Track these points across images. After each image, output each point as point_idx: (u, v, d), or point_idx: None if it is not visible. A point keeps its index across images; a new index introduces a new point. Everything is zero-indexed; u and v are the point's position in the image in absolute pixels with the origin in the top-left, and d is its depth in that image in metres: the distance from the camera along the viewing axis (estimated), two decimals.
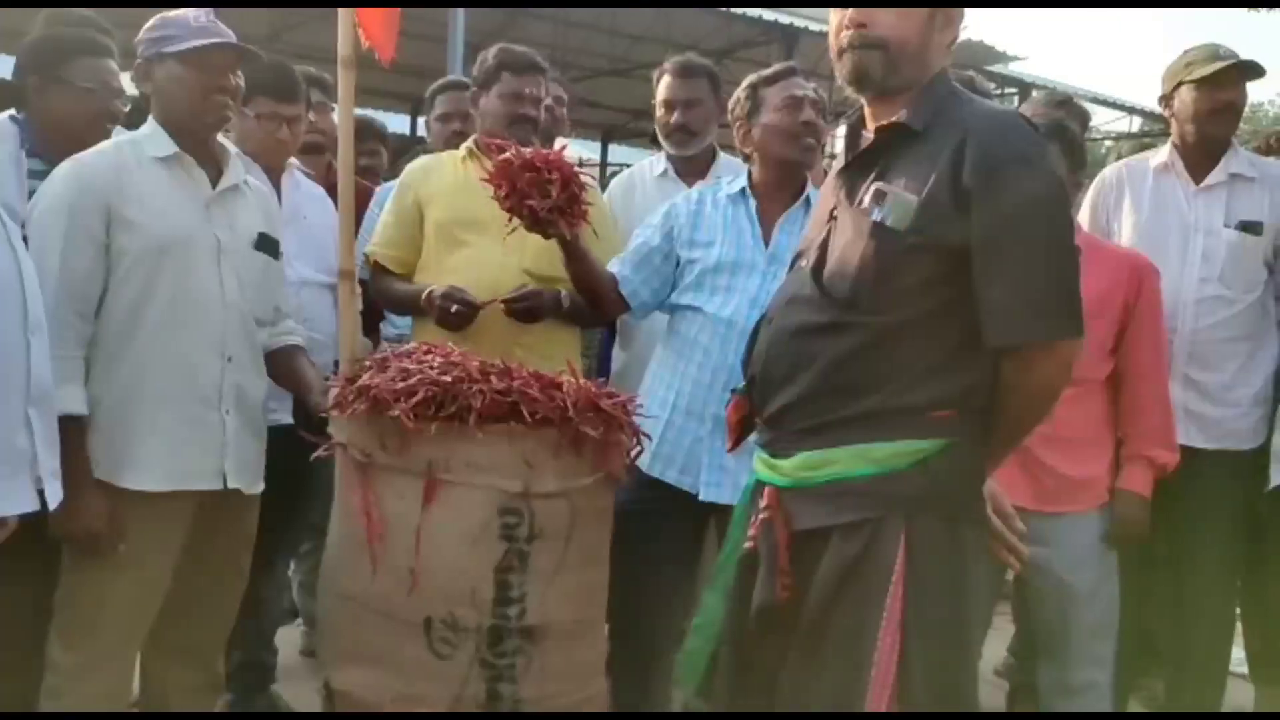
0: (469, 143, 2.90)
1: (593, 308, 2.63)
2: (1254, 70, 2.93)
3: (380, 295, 2.90)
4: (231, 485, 2.27)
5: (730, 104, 2.67)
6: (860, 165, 1.84)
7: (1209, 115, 2.96)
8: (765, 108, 2.55)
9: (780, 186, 2.58)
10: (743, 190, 2.60)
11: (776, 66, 2.64)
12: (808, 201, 2.56)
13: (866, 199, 1.76)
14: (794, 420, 1.80)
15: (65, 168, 2.19)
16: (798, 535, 1.78)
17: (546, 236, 2.36)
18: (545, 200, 2.25)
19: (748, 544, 1.88)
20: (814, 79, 2.96)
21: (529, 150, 2.32)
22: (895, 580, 1.67)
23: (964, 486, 1.75)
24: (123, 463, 2.16)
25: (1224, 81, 2.95)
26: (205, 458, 2.24)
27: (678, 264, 2.58)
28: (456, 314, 2.54)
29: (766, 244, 2.54)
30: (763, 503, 1.84)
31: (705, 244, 2.56)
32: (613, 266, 2.58)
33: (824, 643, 1.73)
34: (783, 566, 1.79)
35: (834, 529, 1.73)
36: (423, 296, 2.62)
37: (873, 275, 1.74)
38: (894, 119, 1.78)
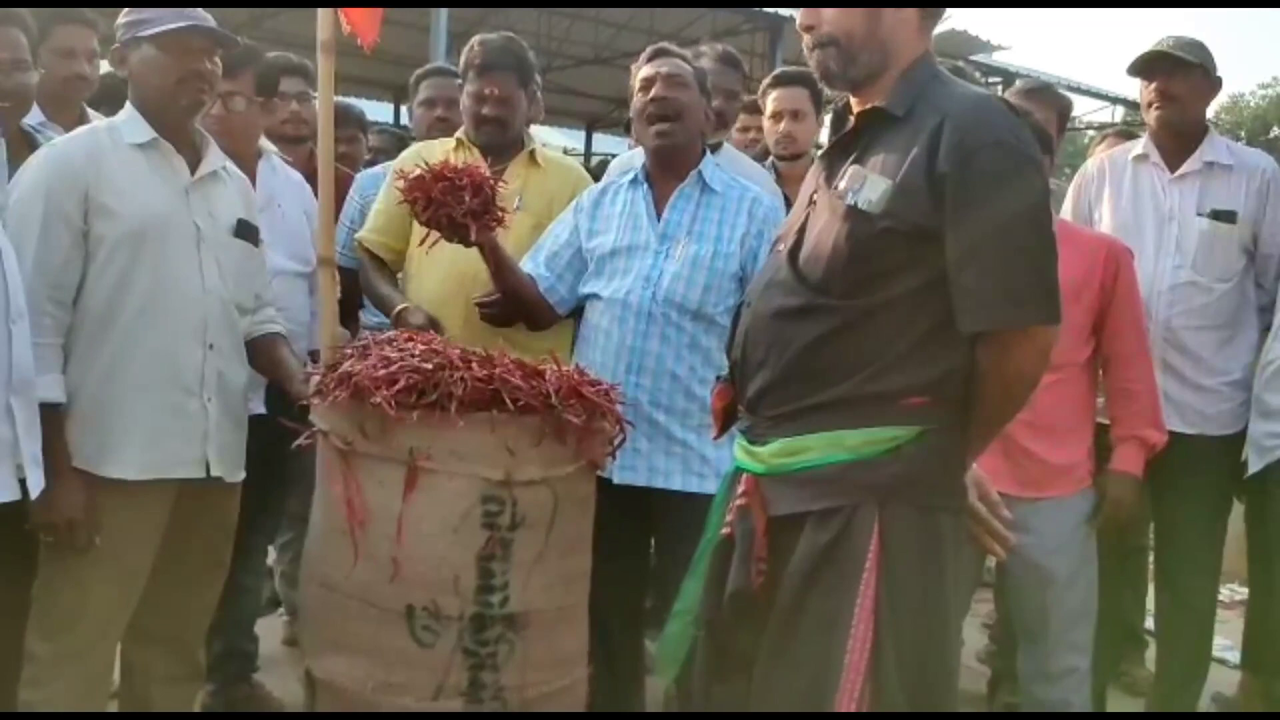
0: (460, 132, 2.91)
1: (524, 318, 2.61)
2: (1168, 61, 2.93)
3: (365, 287, 2.92)
4: (214, 473, 2.26)
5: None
6: (840, 149, 1.84)
7: (1148, 105, 3.02)
8: (633, 91, 2.58)
9: (662, 166, 2.58)
10: (635, 176, 2.61)
11: (650, 49, 2.63)
12: (700, 178, 2.55)
13: (843, 182, 1.76)
14: (770, 405, 1.80)
15: (42, 154, 2.17)
16: (774, 522, 1.78)
17: (466, 245, 2.38)
18: (460, 207, 2.28)
19: (724, 530, 1.88)
20: (800, 68, 2.97)
21: (439, 164, 2.35)
22: (869, 568, 1.66)
23: (939, 474, 1.73)
24: (103, 452, 2.15)
25: (1148, 72, 2.98)
26: (187, 446, 2.23)
27: (573, 255, 2.60)
28: None
29: (659, 224, 2.54)
30: (740, 489, 1.85)
31: (602, 232, 2.58)
32: (525, 265, 2.59)
33: (798, 631, 1.72)
34: (759, 553, 1.79)
35: (808, 516, 1.73)
36: (394, 312, 2.67)
37: (845, 258, 1.73)
38: (875, 104, 1.78)
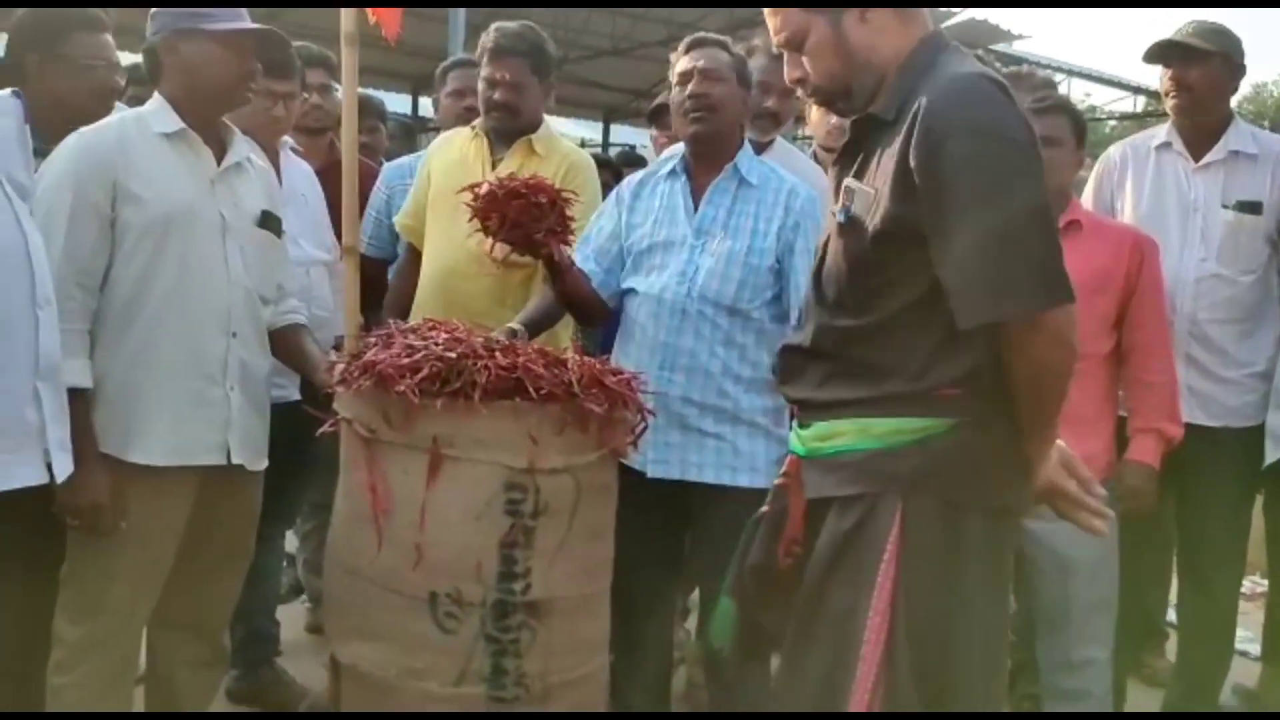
0: (478, 121, 2.94)
1: (577, 315, 2.65)
2: (1181, 49, 2.91)
3: (392, 284, 3.03)
4: (235, 460, 2.28)
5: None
6: (843, 162, 1.81)
7: (1165, 93, 2.99)
8: (671, 84, 2.57)
9: (699, 158, 2.57)
10: (673, 168, 2.60)
11: (688, 39, 2.62)
12: (736, 170, 2.55)
13: (840, 198, 1.75)
14: (811, 398, 1.81)
15: (70, 142, 2.19)
16: (811, 505, 1.78)
17: (538, 258, 2.39)
18: (540, 224, 2.29)
19: (763, 509, 1.89)
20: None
21: (505, 178, 2.34)
22: (887, 559, 1.63)
23: (972, 470, 1.66)
24: (129, 437, 2.17)
25: (1163, 60, 2.96)
26: (209, 433, 2.25)
27: (619, 250, 2.60)
28: None
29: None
30: (783, 468, 1.86)
31: (639, 225, 2.58)
32: (577, 260, 2.58)
33: (819, 616, 1.72)
34: (794, 534, 1.80)
35: (834, 501, 1.72)
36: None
37: (848, 275, 1.71)
38: (868, 111, 1.74)
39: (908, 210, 1.61)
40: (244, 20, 2.27)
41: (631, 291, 2.55)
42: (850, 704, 1.63)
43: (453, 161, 2.95)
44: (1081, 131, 2.70)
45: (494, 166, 2.89)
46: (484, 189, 2.31)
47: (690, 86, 2.50)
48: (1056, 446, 1.71)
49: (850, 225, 1.70)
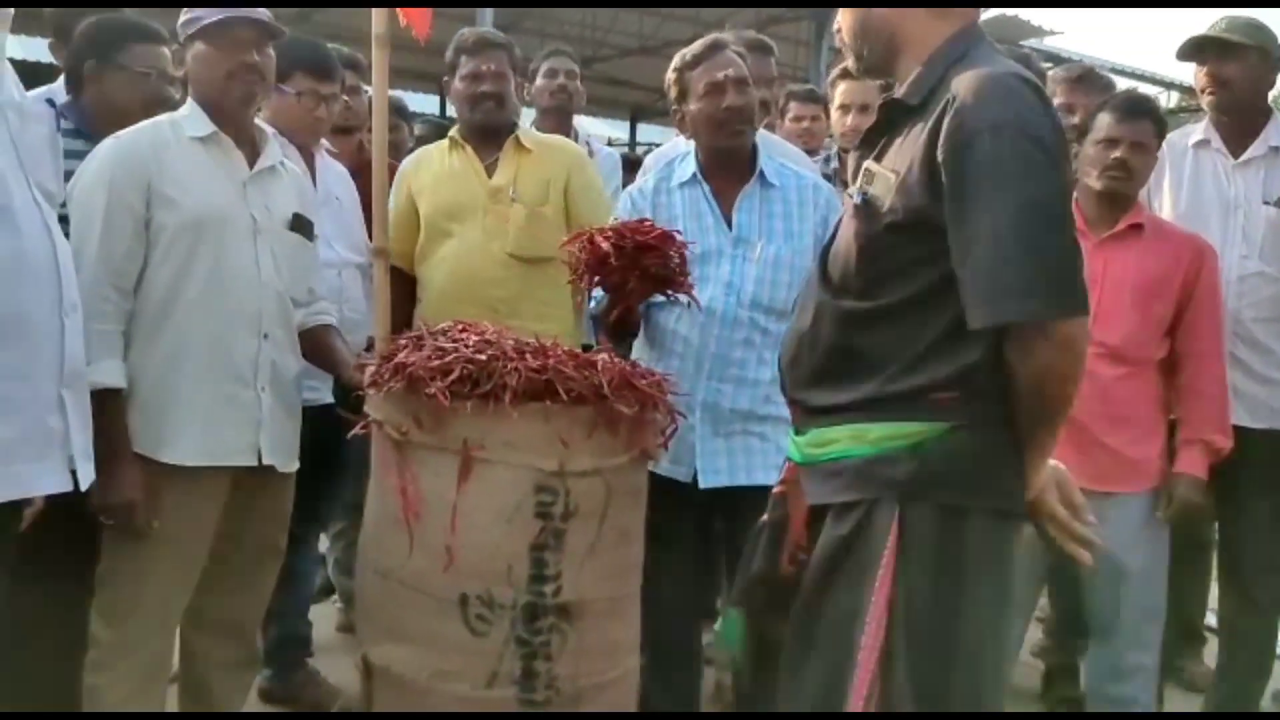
0: (453, 132, 2.95)
1: (618, 341, 2.54)
2: (1217, 44, 2.86)
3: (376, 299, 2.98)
4: (266, 461, 2.29)
5: (665, 87, 2.60)
6: (866, 145, 1.81)
7: (1202, 90, 2.95)
8: (692, 94, 2.48)
9: (726, 168, 2.53)
10: (694, 175, 2.54)
11: (699, 45, 2.53)
12: (762, 176, 2.51)
13: (859, 179, 1.74)
14: (807, 400, 1.80)
15: (106, 145, 2.21)
16: (812, 510, 1.77)
17: (638, 301, 2.35)
18: (678, 275, 2.28)
19: (764, 517, 1.89)
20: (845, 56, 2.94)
21: (618, 228, 2.27)
22: (884, 565, 1.61)
23: (970, 473, 1.64)
24: (161, 437, 2.19)
25: (1198, 56, 2.92)
26: (240, 434, 2.26)
27: None
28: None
29: (729, 226, 2.50)
30: (782, 475, 1.86)
31: None
32: None
33: (818, 623, 1.71)
34: (797, 540, 1.79)
35: (830, 508, 1.72)
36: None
37: (857, 257, 1.70)
38: (895, 95, 1.75)
39: (929, 202, 1.60)
40: (231, 11, 2.25)
41: (669, 305, 2.48)
42: (848, 707, 1.62)
43: (440, 176, 2.93)
44: (1163, 134, 2.70)
45: (488, 173, 2.88)
46: (606, 246, 2.22)
47: (727, 99, 2.45)
48: (1054, 466, 1.69)
49: (866, 207, 1.69)
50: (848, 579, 1.66)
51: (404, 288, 2.89)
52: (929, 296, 1.63)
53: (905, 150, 1.67)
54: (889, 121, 1.76)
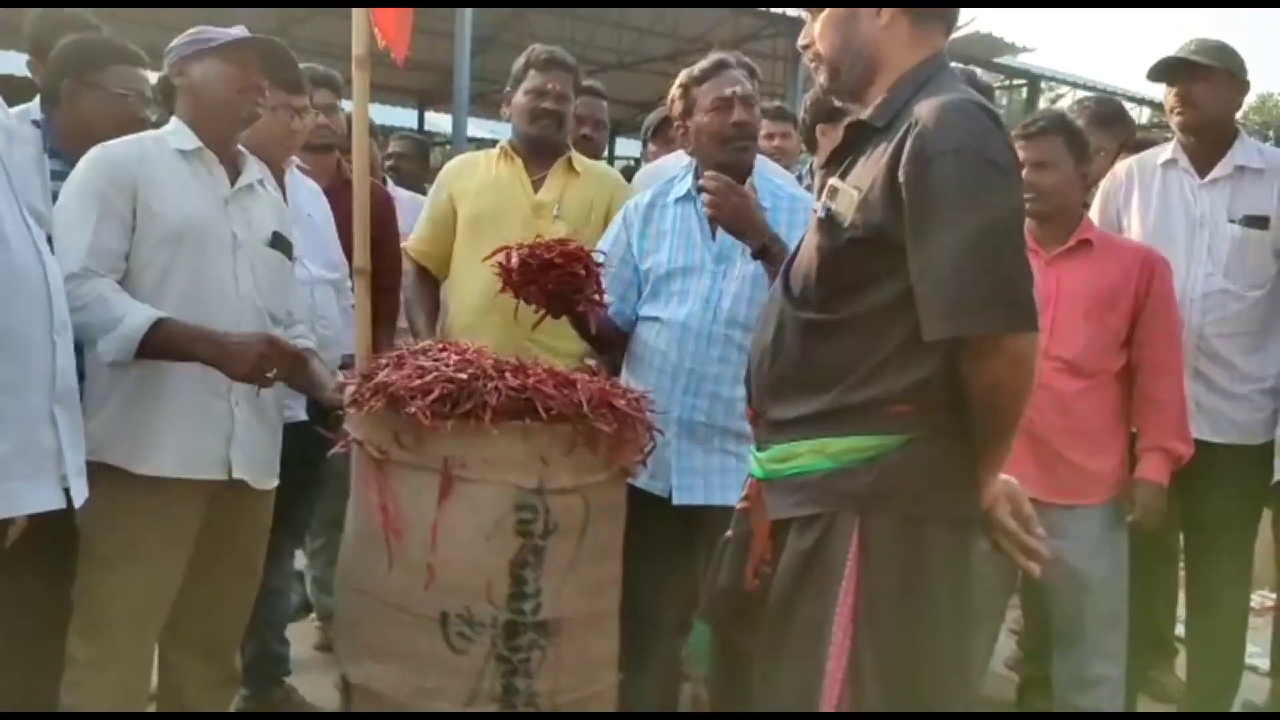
0: (505, 141, 2.97)
1: (591, 342, 2.63)
2: (1187, 66, 2.91)
3: (406, 303, 3.01)
4: (236, 476, 2.28)
5: (668, 101, 2.62)
6: (833, 163, 1.87)
7: (1171, 110, 3.00)
8: (698, 108, 2.51)
9: None
10: (689, 192, 2.56)
11: (706, 62, 2.57)
12: (755, 193, 2.52)
13: (824, 195, 1.79)
14: (769, 413, 1.83)
15: (94, 153, 2.23)
16: (774, 525, 1.81)
17: (560, 315, 2.39)
18: (580, 294, 2.31)
19: (728, 533, 1.92)
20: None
21: (531, 245, 2.30)
22: (848, 576, 1.66)
23: (928, 484, 1.69)
24: (135, 450, 2.19)
25: (1168, 77, 2.97)
26: (212, 447, 2.26)
27: (632, 273, 2.58)
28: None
29: (714, 243, 2.51)
30: (744, 492, 1.90)
31: (654, 251, 2.56)
32: None
33: (787, 635, 1.75)
34: (762, 555, 1.83)
35: (793, 522, 1.76)
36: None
37: (818, 270, 1.75)
38: (860, 117, 1.80)
39: (889, 220, 1.65)
40: (242, 32, 2.33)
41: (650, 319, 2.53)
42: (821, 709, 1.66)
43: (484, 185, 2.96)
44: (1080, 149, 2.69)
45: (534, 187, 2.91)
46: (514, 260, 2.28)
47: (735, 114, 2.47)
48: (1004, 480, 1.75)
49: (829, 222, 1.74)
50: (813, 590, 1.71)
51: (433, 295, 2.99)
52: (885, 310, 1.69)
53: (868, 169, 1.72)
54: (854, 141, 1.81)
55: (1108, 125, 3.43)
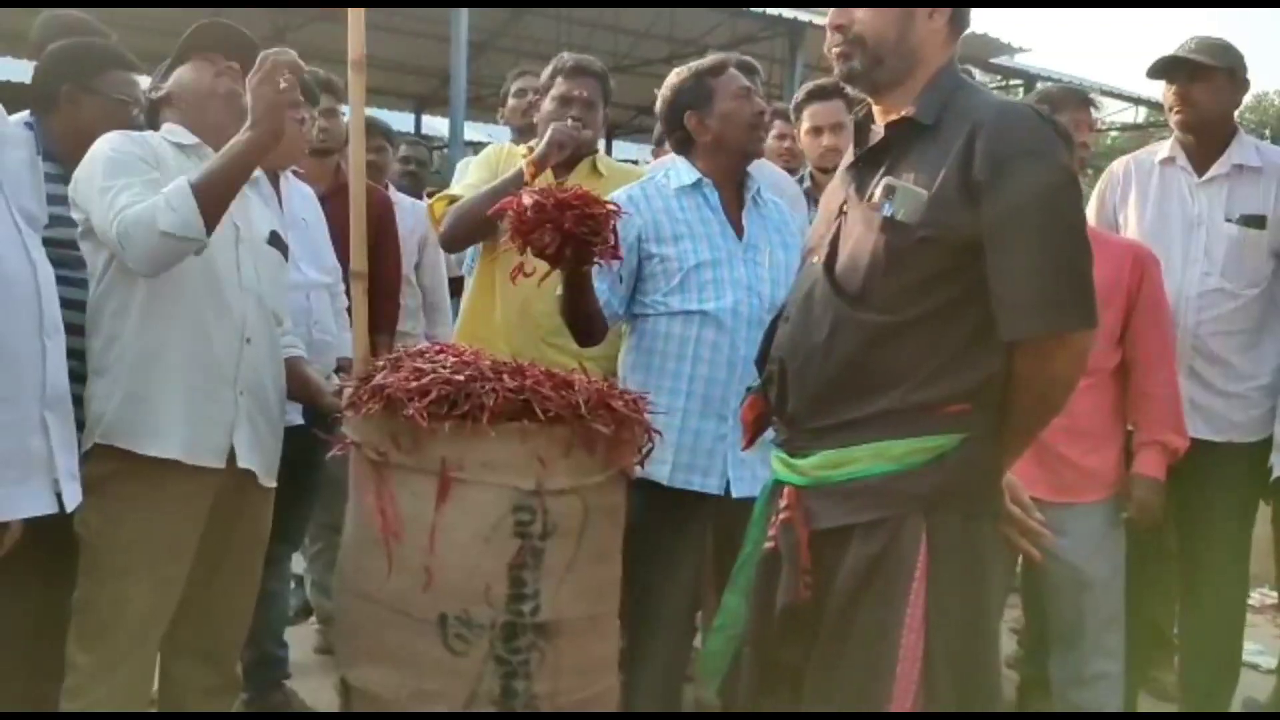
0: (534, 142, 2.98)
1: (581, 339, 2.50)
2: (1187, 65, 2.92)
3: (460, 219, 2.84)
4: (241, 465, 2.27)
5: (663, 93, 2.61)
6: (869, 161, 1.85)
7: (1169, 109, 3.01)
8: (718, 98, 2.52)
9: (734, 175, 2.57)
10: (697, 182, 2.54)
11: (714, 57, 2.61)
12: (755, 182, 2.58)
13: (877, 194, 1.77)
14: (812, 418, 1.81)
15: (111, 136, 2.23)
16: (817, 534, 1.78)
17: (569, 269, 2.24)
18: (598, 237, 2.14)
19: (768, 544, 1.88)
20: (819, 73, 2.99)
21: (547, 187, 2.20)
22: (917, 578, 1.67)
23: (981, 481, 1.75)
24: (142, 430, 2.18)
25: (1167, 76, 2.97)
26: (214, 434, 2.25)
27: (637, 263, 2.50)
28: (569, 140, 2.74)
29: (736, 232, 2.52)
30: (782, 502, 1.85)
31: (674, 240, 2.49)
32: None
33: (847, 642, 1.73)
34: (804, 565, 1.80)
35: (855, 528, 1.74)
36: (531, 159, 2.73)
37: (883, 270, 1.74)
38: (903, 114, 1.79)
39: (964, 220, 1.68)
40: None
41: (686, 312, 2.45)
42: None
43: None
44: (1067, 144, 2.69)
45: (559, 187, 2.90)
46: (527, 200, 2.12)
47: (756, 104, 2.55)
48: None
49: (894, 222, 1.73)
50: (877, 595, 1.71)
51: None
52: (949, 309, 1.71)
53: (927, 168, 1.72)
54: (896, 139, 1.81)
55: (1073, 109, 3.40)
